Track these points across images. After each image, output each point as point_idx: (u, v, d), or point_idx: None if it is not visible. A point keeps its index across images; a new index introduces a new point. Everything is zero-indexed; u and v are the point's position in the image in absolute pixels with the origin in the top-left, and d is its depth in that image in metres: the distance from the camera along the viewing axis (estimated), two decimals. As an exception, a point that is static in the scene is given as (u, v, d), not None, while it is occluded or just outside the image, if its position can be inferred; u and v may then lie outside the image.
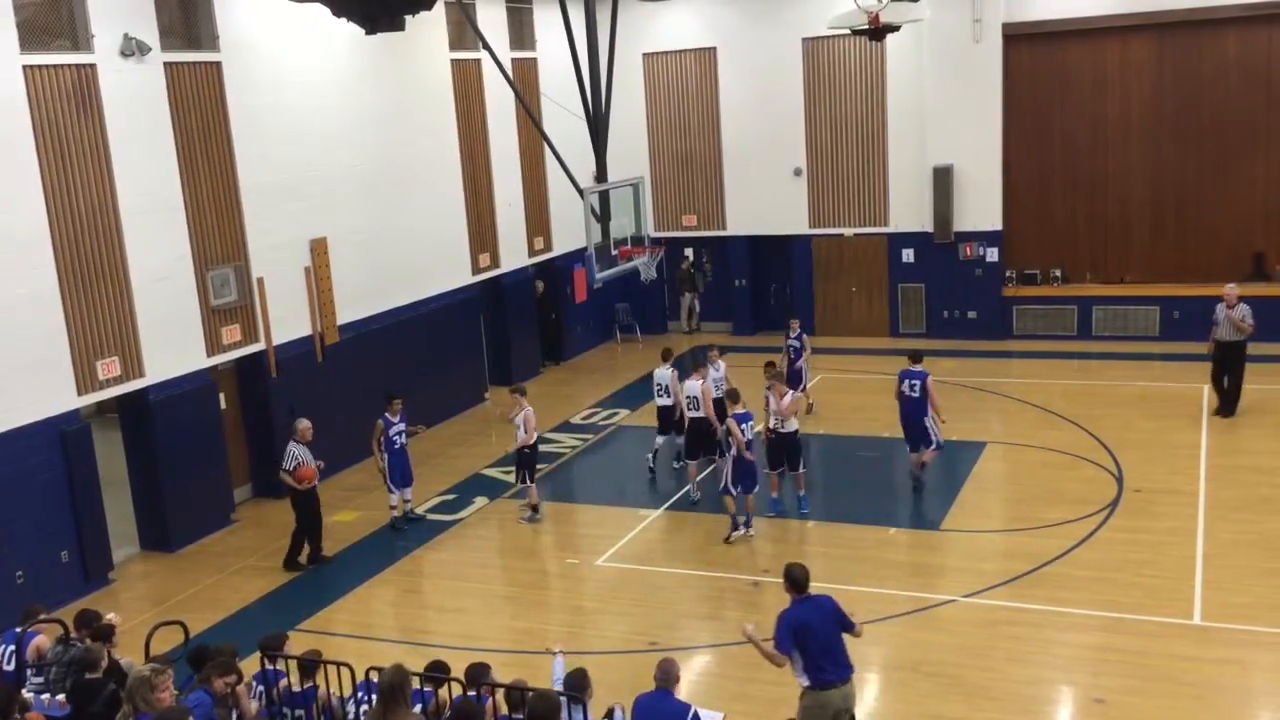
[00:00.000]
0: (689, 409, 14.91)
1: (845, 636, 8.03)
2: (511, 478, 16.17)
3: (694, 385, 14.77)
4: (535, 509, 14.56)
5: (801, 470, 14.03)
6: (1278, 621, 10.50)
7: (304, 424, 13.52)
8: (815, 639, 7.85)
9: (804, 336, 17.90)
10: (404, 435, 14.52)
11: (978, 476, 14.94)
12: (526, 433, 14.32)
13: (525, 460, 14.47)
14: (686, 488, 14.90)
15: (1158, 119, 21.14)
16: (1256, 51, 20.34)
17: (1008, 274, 22.12)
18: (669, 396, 15.60)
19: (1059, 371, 19.76)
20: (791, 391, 14.59)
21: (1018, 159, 21.90)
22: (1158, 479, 14.24)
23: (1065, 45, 21.43)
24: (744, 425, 13.18)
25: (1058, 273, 22.00)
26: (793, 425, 13.84)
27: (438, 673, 7.87)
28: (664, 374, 15.65)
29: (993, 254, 21.85)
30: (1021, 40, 21.45)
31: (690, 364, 16.09)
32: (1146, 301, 21.10)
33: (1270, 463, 14.53)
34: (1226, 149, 20.74)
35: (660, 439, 15.91)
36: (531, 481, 14.53)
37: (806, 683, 7.90)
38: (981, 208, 21.66)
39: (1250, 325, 16.14)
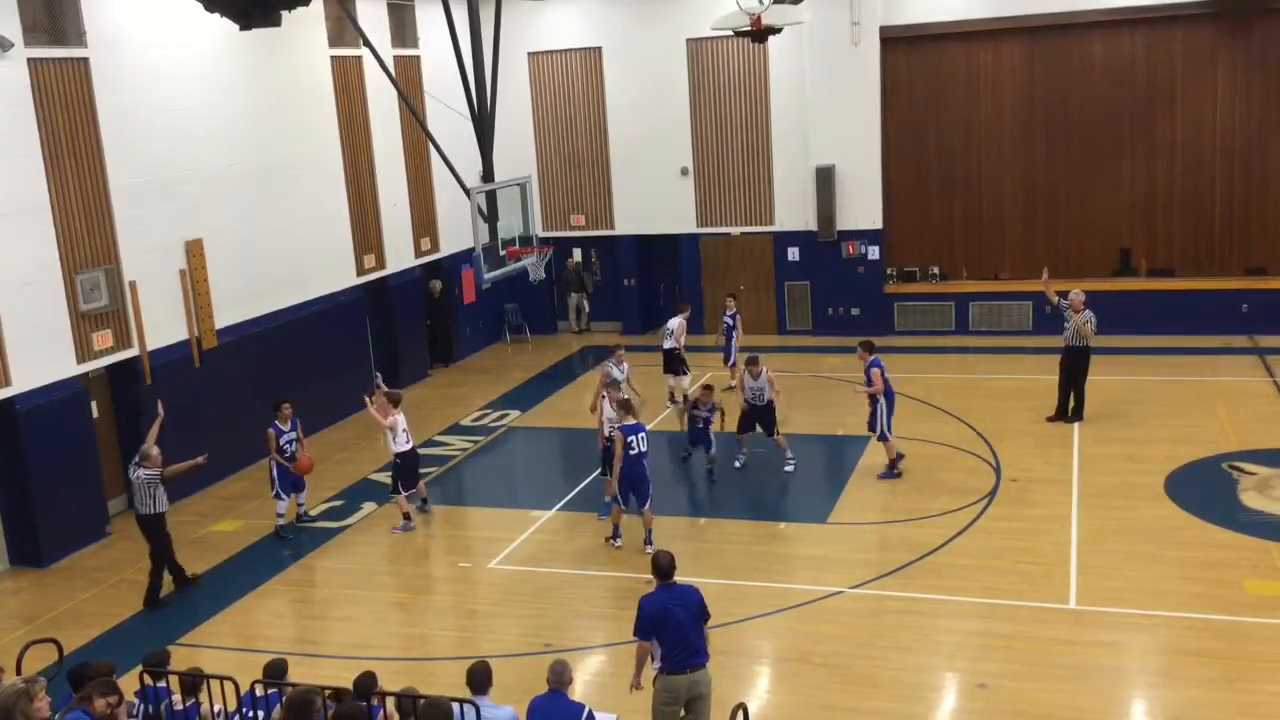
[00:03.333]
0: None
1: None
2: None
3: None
4: (407, 517, 14.25)
5: (777, 435, 15.27)
6: (1147, 604, 10.95)
7: (154, 451, 12.50)
8: (672, 626, 8.07)
9: (737, 316, 19.00)
10: (294, 443, 14.23)
11: (863, 470, 15.25)
12: (396, 441, 14.07)
13: (399, 468, 14.18)
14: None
15: (1029, 120, 21.86)
16: (1121, 54, 21.19)
17: (889, 271, 22.63)
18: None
19: (939, 366, 20.28)
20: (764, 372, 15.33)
21: (896, 159, 22.43)
22: (1033, 469, 14.73)
23: (940, 48, 22.02)
24: (633, 436, 12.63)
25: (935, 270, 22.61)
26: (767, 398, 15.03)
27: (366, 685, 7.67)
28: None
29: (874, 252, 22.33)
30: (898, 43, 21.97)
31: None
32: (1020, 297, 21.79)
33: (1139, 451, 15.14)
34: (1094, 149, 21.55)
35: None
36: (402, 491, 14.17)
37: (658, 667, 8.14)
38: (862, 207, 22.12)
39: (1092, 330, 16.15)
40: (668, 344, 18.17)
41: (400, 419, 14.03)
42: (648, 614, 8.13)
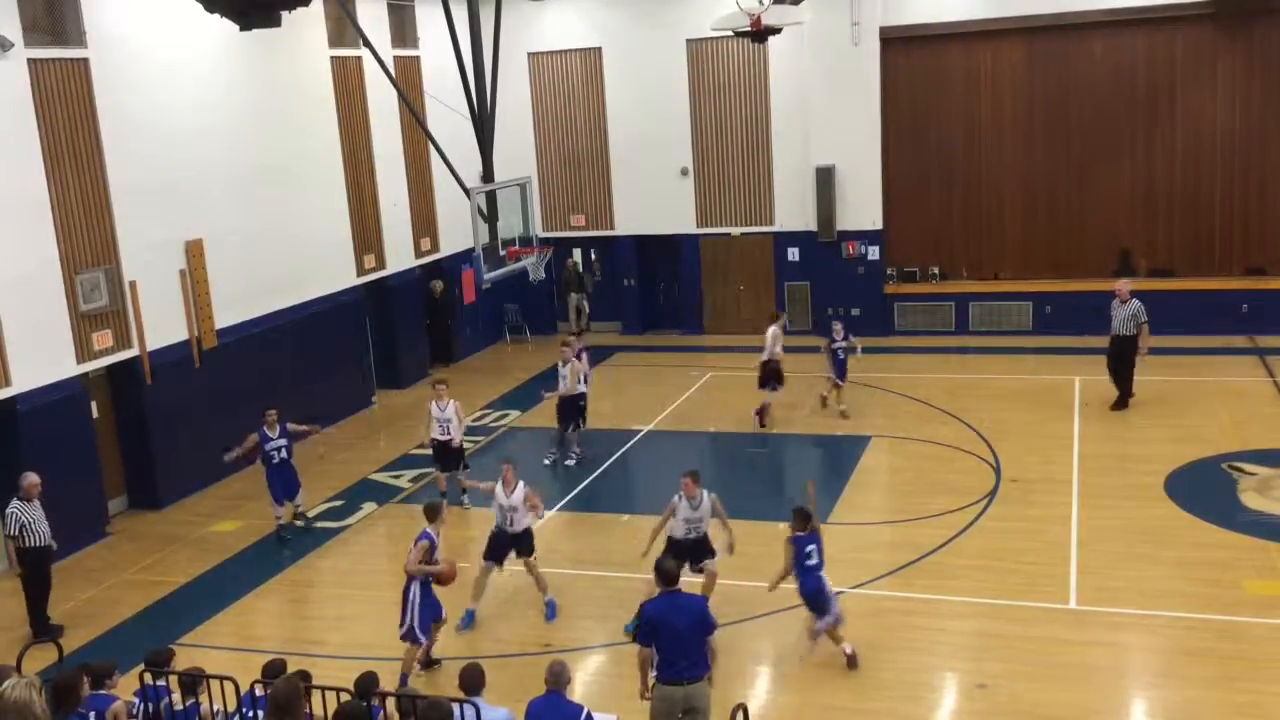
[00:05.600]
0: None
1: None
2: (400, 482, 16.02)
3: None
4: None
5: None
6: (1147, 604, 10.95)
7: (31, 478, 11.93)
8: (670, 634, 7.99)
9: (850, 337, 17.73)
10: (284, 450, 13.99)
11: (863, 470, 15.25)
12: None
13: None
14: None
15: (1029, 120, 21.86)
16: (1121, 55, 21.19)
17: (888, 272, 22.63)
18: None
19: (939, 366, 20.29)
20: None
21: (896, 159, 22.42)
22: (1033, 469, 14.73)
23: (940, 48, 22.01)
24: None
25: (935, 270, 22.61)
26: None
27: (366, 685, 7.68)
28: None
29: (874, 252, 22.33)
30: (898, 43, 21.97)
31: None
32: (1020, 297, 21.80)
33: (1138, 451, 15.14)
34: (1094, 149, 21.55)
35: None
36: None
37: (655, 675, 8.08)
38: (862, 207, 22.12)
39: (1144, 321, 16.41)
40: (763, 355, 17.00)
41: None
42: (647, 620, 8.06)
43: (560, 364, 16.01)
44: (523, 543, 11.53)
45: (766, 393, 17.06)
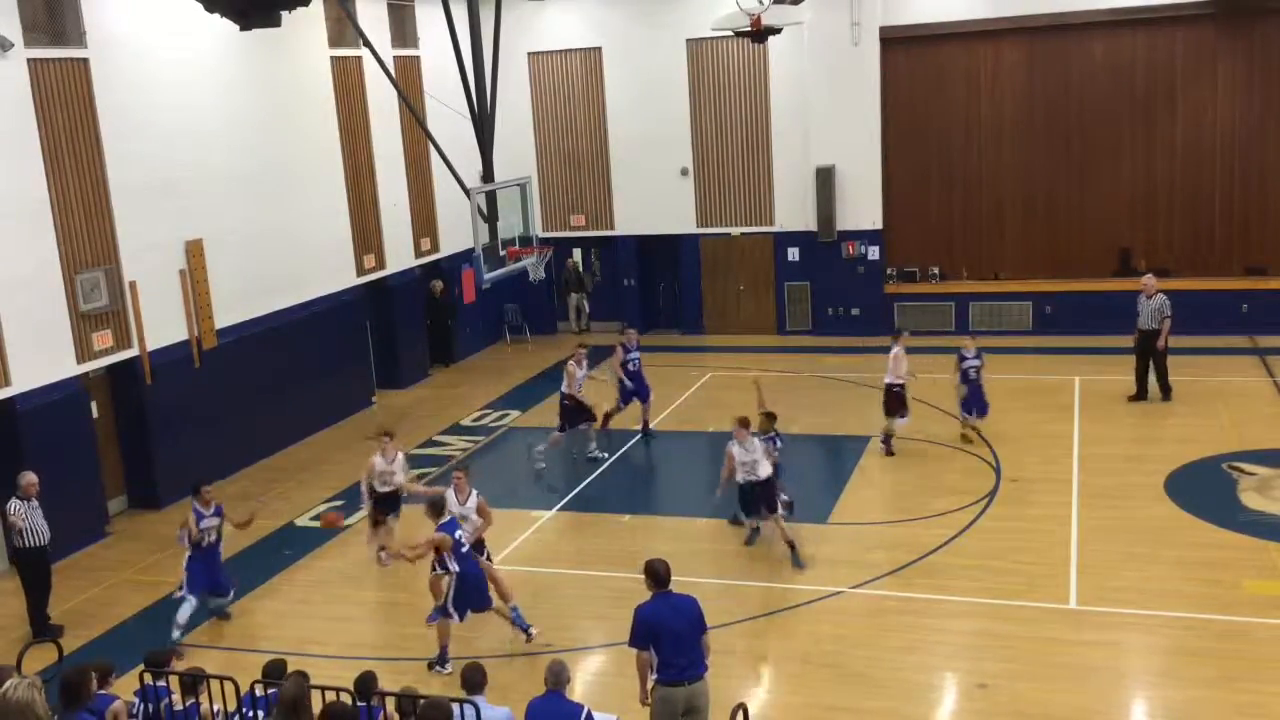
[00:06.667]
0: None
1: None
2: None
3: None
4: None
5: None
6: (1147, 604, 10.95)
7: (29, 477, 11.77)
8: (667, 635, 7.95)
9: (982, 355, 15.97)
10: (214, 533, 11.71)
11: (863, 470, 15.25)
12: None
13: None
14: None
15: (1029, 120, 21.86)
16: (1121, 55, 21.19)
17: (889, 272, 22.63)
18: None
19: (938, 366, 20.22)
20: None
21: (896, 159, 22.42)
22: (1033, 469, 14.73)
23: (940, 48, 22.01)
24: (457, 532, 10.57)
25: (935, 270, 22.61)
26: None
27: (366, 685, 7.68)
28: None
29: (874, 252, 22.34)
30: (898, 43, 21.97)
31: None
32: (1020, 297, 21.81)
33: (1138, 450, 15.15)
34: (1094, 149, 21.55)
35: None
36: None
37: (655, 678, 8.03)
38: (862, 207, 22.12)
39: (1167, 316, 16.63)
40: (886, 378, 15.63)
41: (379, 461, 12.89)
42: (643, 623, 8.01)
43: (575, 365, 16.03)
44: (478, 549, 11.30)
45: (895, 421, 15.53)
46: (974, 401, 15.83)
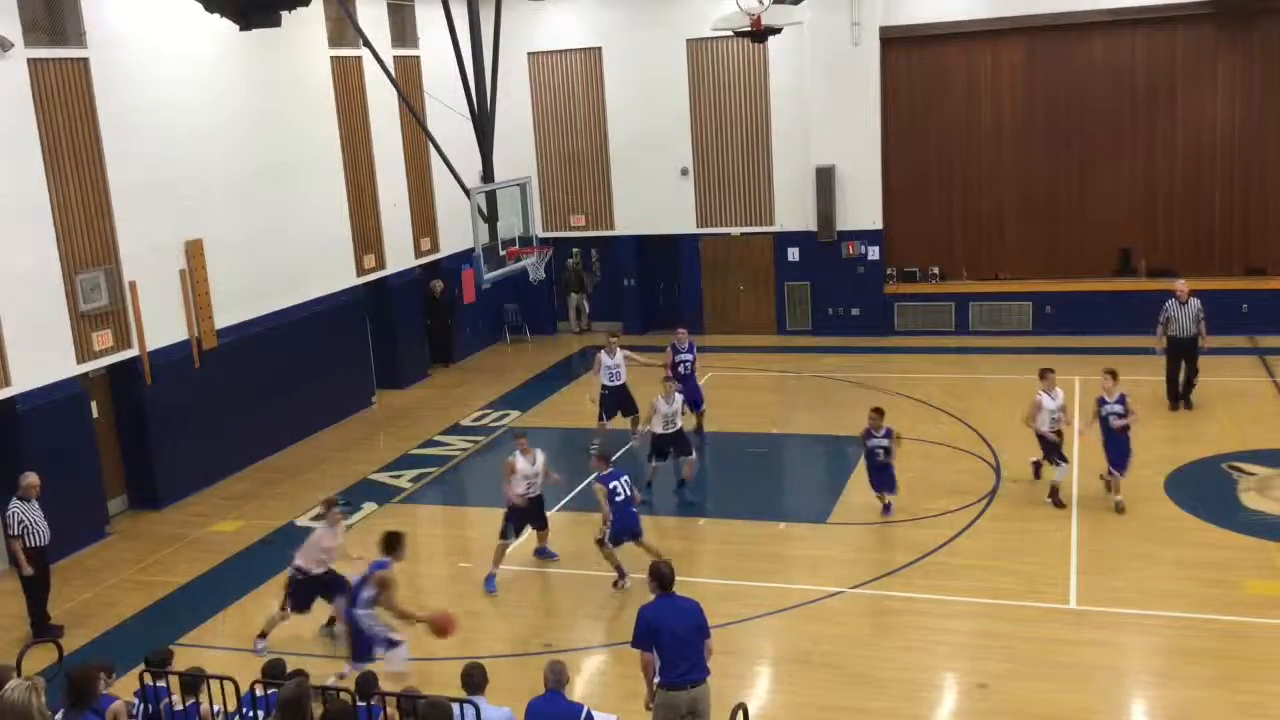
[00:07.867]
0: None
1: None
2: (400, 482, 16.01)
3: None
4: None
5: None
6: (1147, 604, 10.95)
7: (31, 478, 11.78)
8: (670, 638, 7.94)
9: (1125, 399, 13.35)
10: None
11: (863, 470, 15.20)
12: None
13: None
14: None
15: (1029, 120, 21.85)
16: (1121, 55, 21.19)
17: (889, 272, 22.63)
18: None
19: (939, 366, 20.27)
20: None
21: (896, 159, 22.42)
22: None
23: (940, 48, 22.01)
24: (613, 483, 11.89)
25: (935, 270, 22.60)
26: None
27: (367, 686, 7.69)
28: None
29: (874, 252, 22.33)
30: (898, 43, 21.97)
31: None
32: (1020, 297, 21.80)
33: (1138, 451, 15.02)
34: (1094, 149, 21.54)
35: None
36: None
37: (658, 680, 8.01)
38: (863, 207, 22.11)
39: (1204, 318, 16.50)
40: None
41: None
42: (646, 623, 8.01)
43: (607, 355, 16.16)
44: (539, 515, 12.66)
45: (1053, 465, 13.52)
46: (1115, 452, 13.19)
